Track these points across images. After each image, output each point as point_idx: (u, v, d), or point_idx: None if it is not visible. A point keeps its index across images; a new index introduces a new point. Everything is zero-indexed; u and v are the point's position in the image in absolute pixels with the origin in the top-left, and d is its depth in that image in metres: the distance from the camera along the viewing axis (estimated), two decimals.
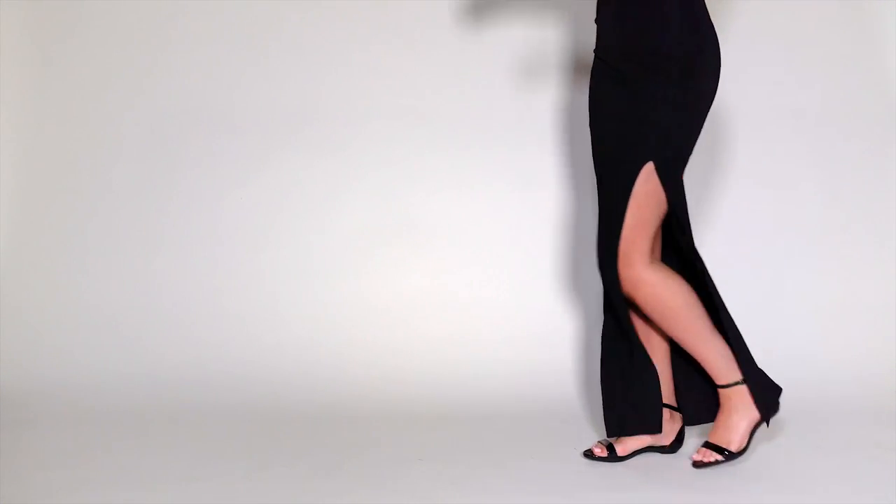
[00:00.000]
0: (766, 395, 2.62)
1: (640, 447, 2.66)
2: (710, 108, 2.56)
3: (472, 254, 3.37)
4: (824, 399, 3.10)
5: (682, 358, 2.69)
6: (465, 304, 3.35)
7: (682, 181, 2.57)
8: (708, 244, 3.37)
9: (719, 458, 2.56)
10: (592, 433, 2.84)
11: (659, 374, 2.65)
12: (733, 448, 2.57)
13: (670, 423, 2.69)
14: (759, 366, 2.64)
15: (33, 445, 2.79)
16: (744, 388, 2.59)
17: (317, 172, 3.41)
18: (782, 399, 2.66)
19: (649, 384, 2.63)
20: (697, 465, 2.58)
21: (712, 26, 2.53)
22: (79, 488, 2.45)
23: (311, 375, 3.24)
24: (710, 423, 2.67)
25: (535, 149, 3.37)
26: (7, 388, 3.20)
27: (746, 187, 3.39)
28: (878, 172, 3.40)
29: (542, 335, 3.28)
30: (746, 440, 2.58)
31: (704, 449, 2.59)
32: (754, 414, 2.59)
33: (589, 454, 2.64)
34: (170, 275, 3.39)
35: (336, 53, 3.40)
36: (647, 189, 2.49)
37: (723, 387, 2.60)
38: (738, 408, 2.59)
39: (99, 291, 3.38)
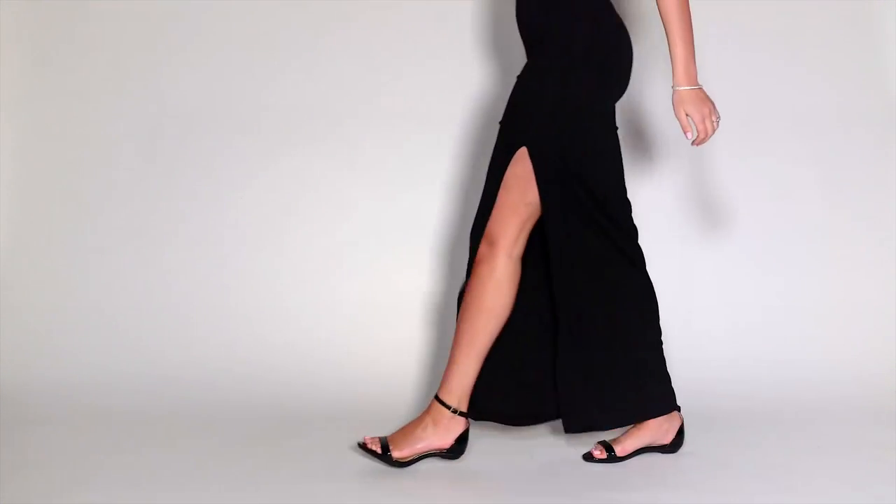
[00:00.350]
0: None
1: (639, 447, 2.66)
2: (611, 105, 2.56)
3: None
4: (824, 399, 3.10)
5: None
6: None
7: (589, 175, 2.52)
8: (708, 244, 3.37)
9: (378, 452, 2.54)
10: (592, 434, 2.84)
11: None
12: (395, 454, 2.55)
13: (669, 422, 2.69)
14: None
15: (33, 445, 2.79)
16: (450, 418, 2.55)
17: (320, 173, 3.40)
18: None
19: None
20: (360, 445, 2.57)
21: (621, 27, 2.55)
22: (79, 488, 2.45)
23: (312, 375, 3.24)
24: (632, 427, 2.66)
25: None
26: (7, 388, 3.19)
27: (746, 187, 3.39)
28: (878, 172, 3.40)
29: None
30: (411, 457, 2.55)
31: (375, 438, 2.58)
32: (437, 442, 2.56)
33: (588, 457, 2.64)
34: (171, 275, 3.39)
35: (338, 54, 3.39)
36: (515, 172, 2.51)
37: (439, 400, 2.57)
38: (429, 426, 2.57)
39: (100, 291, 3.38)
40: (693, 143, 2.47)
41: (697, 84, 2.45)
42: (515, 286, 2.55)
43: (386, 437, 2.59)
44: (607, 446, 2.64)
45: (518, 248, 2.54)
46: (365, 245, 3.40)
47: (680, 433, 2.70)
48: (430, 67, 3.38)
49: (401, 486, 2.48)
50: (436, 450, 2.58)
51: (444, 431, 2.57)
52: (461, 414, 2.58)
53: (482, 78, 3.36)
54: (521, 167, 2.50)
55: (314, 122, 3.40)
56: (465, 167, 3.38)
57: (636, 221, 2.68)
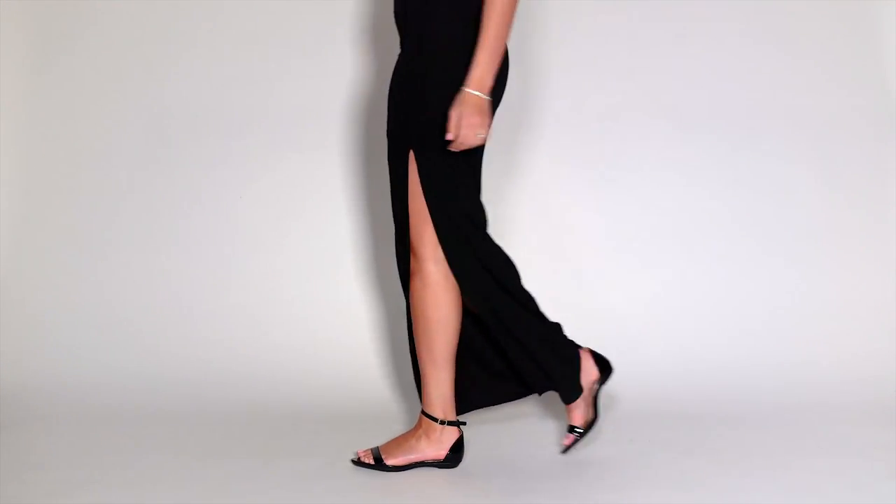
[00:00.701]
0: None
1: (586, 404, 2.65)
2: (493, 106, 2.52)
3: None
4: (824, 399, 3.10)
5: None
6: None
7: (463, 178, 2.52)
8: (708, 244, 3.37)
9: (371, 462, 2.58)
10: (590, 432, 2.84)
11: None
12: (388, 461, 2.57)
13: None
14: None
15: (33, 445, 2.80)
16: (441, 430, 2.57)
17: (319, 173, 3.41)
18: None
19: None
20: (355, 461, 2.60)
21: None
22: (79, 488, 2.45)
23: (311, 375, 3.24)
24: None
25: (533, 147, 3.37)
26: (7, 388, 3.20)
27: (746, 187, 3.39)
28: (878, 173, 3.40)
29: None
30: (403, 464, 2.57)
31: (367, 451, 2.60)
32: (432, 454, 2.58)
33: (565, 449, 2.63)
34: (171, 275, 3.39)
35: (338, 53, 3.40)
36: (413, 179, 2.50)
37: (426, 414, 2.59)
38: (422, 438, 2.58)
39: (100, 291, 3.38)
40: (450, 145, 2.43)
41: (486, 95, 2.40)
42: (453, 286, 2.54)
43: (378, 448, 2.60)
44: (570, 428, 2.64)
45: (441, 250, 2.53)
46: (364, 245, 3.40)
47: (597, 358, 2.68)
48: None
49: (400, 486, 2.48)
50: (430, 461, 2.59)
51: (437, 443, 2.58)
52: (451, 423, 2.59)
53: None
54: (416, 171, 2.50)
55: (315, 123, 3.40)
56: None
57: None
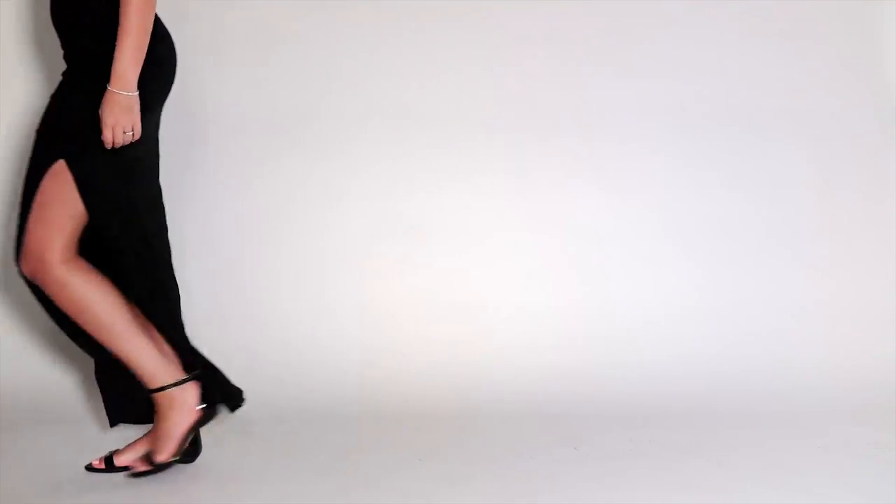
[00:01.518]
0: (221, 390, 2.56)
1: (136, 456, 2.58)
2: (151, 111, 2.49)
3: (474, 254, 3.36)
4: (824, 399, 3.10)
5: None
6: (465, 304, 3.35)
7: (136, 180, 2.50)
8: (707, 244, 3.37)
9: (149, 468, 2.51)
10: (590, 433, 2.84)
11: None
12: (160, 458, 2.49)
13: None
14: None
15: (33, 445, 2.79)
16: (173, 393, 2.50)
17: (318, 173, 3.40)
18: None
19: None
20: (132, 474, 2.52)
21: (157, 23, 2.49)
22: (79, 488, 2.45)
23: (311, 375, 3.24)
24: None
25: (534, 147, 3.37)
26: (7, 388, 3.19)
27: (745, 187, 3.39)
28: (878, 172, 3.40)
29: (534, 336, 3.28)
30: (178, 447, 2.51)
31: (138, 459, 2.54)
32: (187, 420, 2.51)
33: (90, 468, 2.55)
34: None
35: (337, 53, 3.39)
36: (53, 188, 2.43)
37: (156, 391, 2.50)
38: (169, 416, 2.50)
39: None
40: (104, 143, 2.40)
41: (131, 90, 2.34)
42: (88, 268, 2.49)
43: (150, 451, 2.52)
44: (108, 458, 2.57)
45: (71, 250, 2.47)
46: (360, 246, 3.39)
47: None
48: (428, 65, 3.38)
49: (401, 485, 2.48)
50: (192, 427, 2.52)
51: (184, 406, 2.51)
52: (185, 380, 2.52)
53: (479, 75, 3.36)
54: (61, 182, 2.42)
55: (313, 123, 3.39)
56: (461, 165, 3.38)
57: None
